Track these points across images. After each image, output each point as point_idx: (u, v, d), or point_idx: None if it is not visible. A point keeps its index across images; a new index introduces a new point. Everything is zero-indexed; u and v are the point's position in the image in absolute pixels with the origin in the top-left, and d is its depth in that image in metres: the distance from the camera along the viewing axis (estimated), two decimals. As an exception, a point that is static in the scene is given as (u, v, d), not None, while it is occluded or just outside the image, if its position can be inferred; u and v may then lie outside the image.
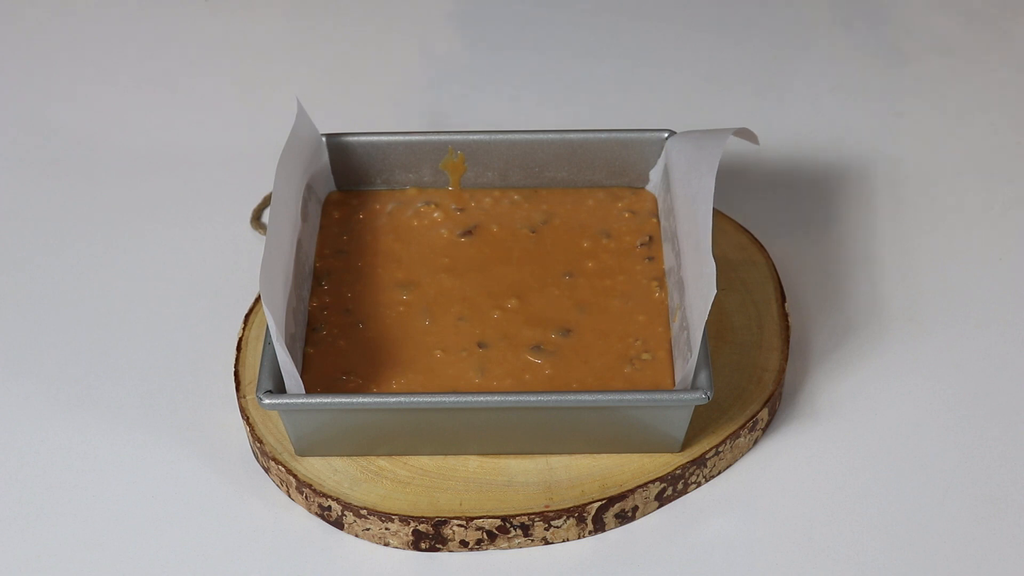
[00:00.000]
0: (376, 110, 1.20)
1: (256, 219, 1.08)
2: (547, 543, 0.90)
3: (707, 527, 0.91)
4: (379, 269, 1.00)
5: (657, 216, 1.03)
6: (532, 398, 0.88)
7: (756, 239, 1.06)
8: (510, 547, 0.90)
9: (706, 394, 0.88)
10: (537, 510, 0.89)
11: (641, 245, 1.01)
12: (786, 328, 0.99)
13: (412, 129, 1.14)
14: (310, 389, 0.92)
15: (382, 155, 1.05)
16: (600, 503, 0.90)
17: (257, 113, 1.20)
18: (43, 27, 1.30)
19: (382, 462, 0.92)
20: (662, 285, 0.98)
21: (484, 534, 0.89)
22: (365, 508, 0.89)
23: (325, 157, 1.04)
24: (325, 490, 0.90)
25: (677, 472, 0.91)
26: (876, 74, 1.23)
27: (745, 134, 1.01)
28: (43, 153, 1.17)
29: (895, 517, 0.91)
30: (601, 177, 1.05)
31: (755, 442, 0.95)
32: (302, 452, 0.92)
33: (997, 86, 1.22)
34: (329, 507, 0.90)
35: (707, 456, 0.92)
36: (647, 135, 1.04)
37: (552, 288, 0.98)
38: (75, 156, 1.17)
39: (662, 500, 0.92)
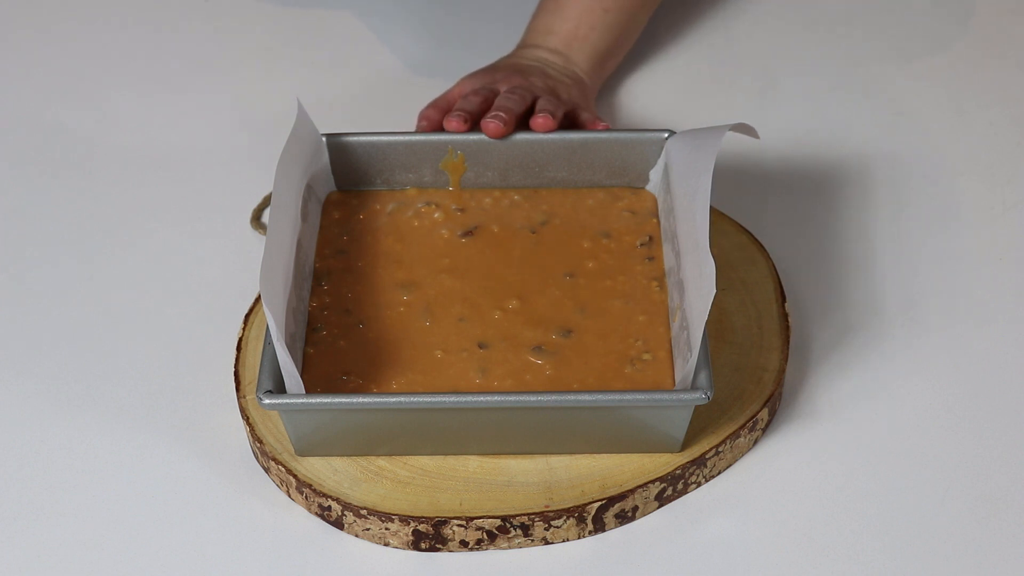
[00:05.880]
0: (376, 110, 1.20)
1: (256, 219, 1.08)
2: (547, 543, 0.90)
3: (707, 527, 0.91)
4: (379, 269, 1.00)
5: (657, 216, 1.03)
6: (532, 398, 0.88)
7: (756, 239, 1.06)
8: (510, 547, 0.90)
9: (706, 394, 0.88)
10: (537, 510, 0.89)
11: (641, 245, 1.01)
12: (786, 328, 0.99)
13: (412, 129, 1.14)
14: (310, 389, 0.92)
15: (382, 155, 1.05)
16: (600, 503, 0.90)
17: (257, 113, 1.20)
18: (43, 27, 1.30)
19: (382, 462, 0.92)
20: (662, 285, 0.98)
21: (484, 534, 0.89)
22: (365, 508, 0.89)
23: (325, 157, 1.04)
24: (325, 490, 0.90)
25: (677, 472, 0.91)
26: (876, 74, 1.24)
27: (744, 129, 1.01)
28: (43, 153, 1.17)
29: (895, 517, 0.91)
30: (601, 177, 1.05)
31: (755, 442, 0.95)
32: (302, 452, 0.92)
33: (997, 86, 1.22)
34: (329, 507, 0.90)
35: (707, 456, 0.92)
36: (647, 135, 1.04)
37: (553, 288, 0.98)
38: (75, 156, 1.17)
39: (662, 500, 0.92)
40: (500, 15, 1.30)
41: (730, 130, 0.99)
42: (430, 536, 0.89)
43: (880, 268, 1.06)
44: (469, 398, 0.88)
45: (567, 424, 0.90)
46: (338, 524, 0.91)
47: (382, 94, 1.22)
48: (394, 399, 0.89)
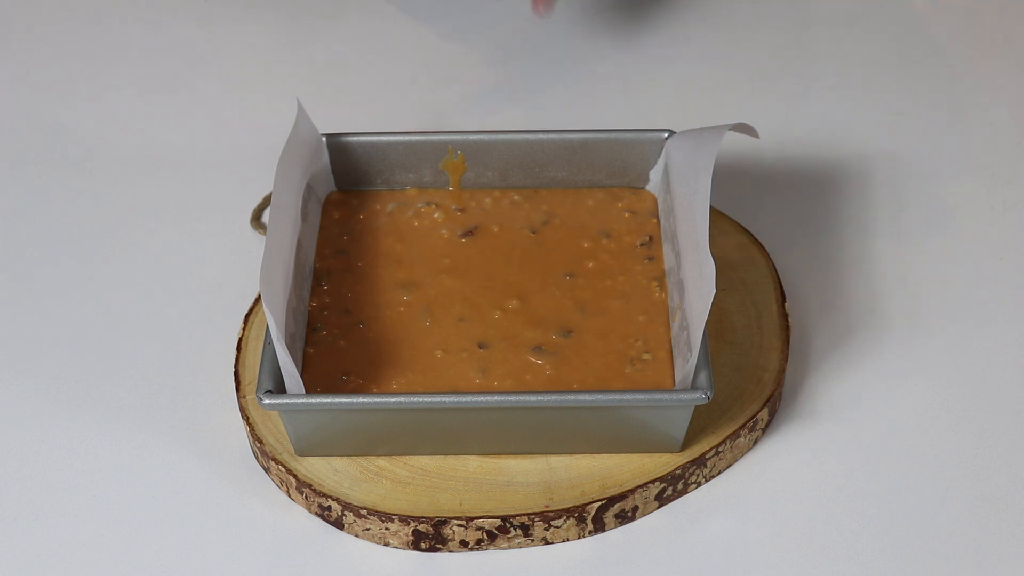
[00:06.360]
0: (376, 110, 1.20)
1: (256, 219, 1.08)
2: (547, 543, 0.90)
3: (707, 527, 0.91)
4: (379, 269, 1.00)
5: (657, 216, 1.03)
6: (532, 398, 0.88)
7: (756, 239, 1.06)
8: (510, 547, 0.90)
9: (706, 394, 0.88)
10: (537, 510, 0.89)
11: (641, 245, 1.01)
12: (786, 328, 0.99)
13: (412, 129, 1.14)
14: (310, 389, 0.92)
15: (382, 155, 1.05)
16: (600, 503, 0.90)
17: (257, 113, 1.20)
18: (43, 27, 1.30)
19: (382, 462, 0.92)
20: (662, 285, 0.98)
21: (484, 534, 0.89)
22: (365, 508, 0.89)
23: (325, 157, 1.04)
24: (325, 490, 0.90)
25: (677, 472, 0.91)
26: (876, 74, 1.24)
27: (745, 129, 1.01)
28: (44, 153, 1.17)
29: (895, 517, 0.91)
30: (601, 177, 1.05)
31: (755, 442, 0.95)
32: (302, 452, 0.92)
33: (997, 86, 1.22)
34: (329, 507, 0.90)
35: (707, 456, 0.92)
36: (647, 135, 1.04)
37: (553, 288, 0.98)
38: (76, 156, 1.17)
39: (662, 500, 0.92)
40: (501, 14, 1.30)
41: (730, 130, 0.99)
42: (430, 536, 0.89)
43: (880, 268, 1.06)
44: (469, 398, 0.88)
45: (567, 424, 0.90)
46: (338, 524, 0.91)
47: (382, 94, 1.22)
48: (394, 399, 0.89)
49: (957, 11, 1.29)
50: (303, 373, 0.93)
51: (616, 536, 0.91)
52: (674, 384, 0.92)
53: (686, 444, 0.92)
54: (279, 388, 0.89)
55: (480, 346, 0.94)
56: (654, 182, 1.05)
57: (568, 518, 0.90)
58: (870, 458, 0.94)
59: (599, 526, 0.91)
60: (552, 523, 0.89)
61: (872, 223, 1.09)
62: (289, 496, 0.93)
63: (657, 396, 0.88)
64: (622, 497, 0.90)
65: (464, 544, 0.90)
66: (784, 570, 0.89)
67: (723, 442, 0.92)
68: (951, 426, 0.96)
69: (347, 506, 0.90)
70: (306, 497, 0.91)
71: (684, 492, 0.93)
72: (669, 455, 0.92)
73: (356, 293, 0.98)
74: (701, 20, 1.29)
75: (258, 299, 1.01)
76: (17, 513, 0.92)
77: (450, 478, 0.91)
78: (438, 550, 0.90)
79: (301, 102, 1.02)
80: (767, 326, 0.99)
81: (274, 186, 0.95)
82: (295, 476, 0.91)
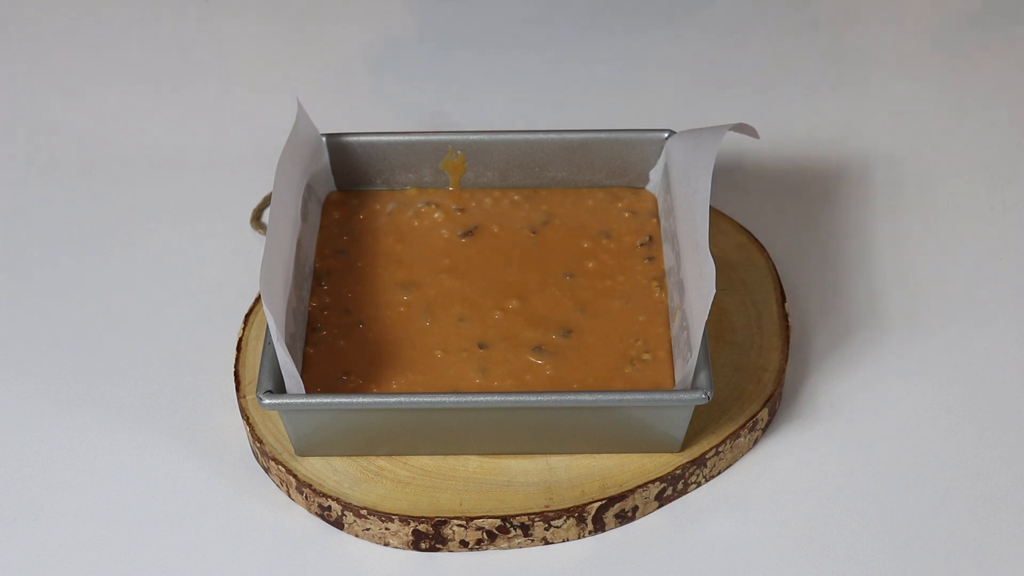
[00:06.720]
0: (376, 110, 1.20)
1: (256, 219, 1.08)
2: (547, 543, 0.90)
3: (707, 527, 0.91)
4: (379, 269, 1.00)
5: (657, 216, 1.03)
6: (532, 398, 0.88)
7: (756, 239, 1.06)
8: (510, 547, 0.90)
9: (706, 394, 0.88)
10: (537, 510, 0.89)
11: (641, 245, 1.01)
12: (786, 328, 0.99)
13: (412, 129, 1.14)
14: (310, 389, 0.92)
15: (382, 155, 1.05)
16: (600, 503, 0.90)
17: (257, 113, 1.20)
18: (43, 27, 1.30)
19: (382, 462, 0.92)
20: (662, 285, 0.98)
21: (484, 534, 0.89)
22: (365, 508, 0.89)
23: (325, 157, 1.04)
24: (325, 490, 0.90)
25: (677, 472, 0.91)
26: (876, 74, 1.24)
27: (744, 129, 1.01)
28: (43, 153, 1.17)
29: (895, 517, 0.91)
30: (601, 177, 1.05)
31: (755, 442, 0.95)
32: (302, 452, 0.92)
33: (997, 86, 1.22)
34: (329, 507, 0.90)
35: (707, 456, 0.92)
36: (647, 135, 1.04)
37: (553, 288, 0.98)
38: (75, 156, 1.17)
39: (662, 500, 0.92)
40: (502, 15, 1.30)
41: (730, 130, 0.99)
42: (430, 536, 0.89)
43: (880, 268, 1.06)
44: (469, 398, 0.88)
45: (567, 424, 0.90)
46: (338, 524, 0.91)
47: (382, 94, 1.22)
48: (394, 399, 0.89)
49: (957, 11, 1.29)
50: (303, 373, 0.93)
51: (616, 536, 0.91)
52: (674, 384, 0.92)
53: (686, 444, 0.92)
54: (279, 388, 0.89)
55: (480, 346, 0.94)
56: (654, 182, 1.05)
57: (568, 518, 0.90)
58: (870, 458, 0.94)
59: (599, 526, 0.91)
60: (552, 523, 0.89)
61: (872, 223, 1.09)
62: (289, 496, 0.93)
63: (657, 396, 0.88)
64: (622, 497, 0.90)
65: (464, 544, 0.90)
66: (784, 570, 0.89)
67: (723, 442, 0.92)
68: (951, 426, 0.96)
69: (347, 506, 0.90)
70: (306, 497, 0.91)
71: (684, 492, 0.93)
72: (669, 455, 0.92)
73: (356, 293, 0.98)
74: (701, 20, 1.29)
75: (258, 299, 1.01)
76: (17, 513, 0.92)
77: (450, 478, 0.91)
78: (438, 550, 0.90)
79: (301, 102, 1.02)
80: (767, 326, 0.99)
81: (274, 186, 0.95)
82: (295, 476, 0.91)
